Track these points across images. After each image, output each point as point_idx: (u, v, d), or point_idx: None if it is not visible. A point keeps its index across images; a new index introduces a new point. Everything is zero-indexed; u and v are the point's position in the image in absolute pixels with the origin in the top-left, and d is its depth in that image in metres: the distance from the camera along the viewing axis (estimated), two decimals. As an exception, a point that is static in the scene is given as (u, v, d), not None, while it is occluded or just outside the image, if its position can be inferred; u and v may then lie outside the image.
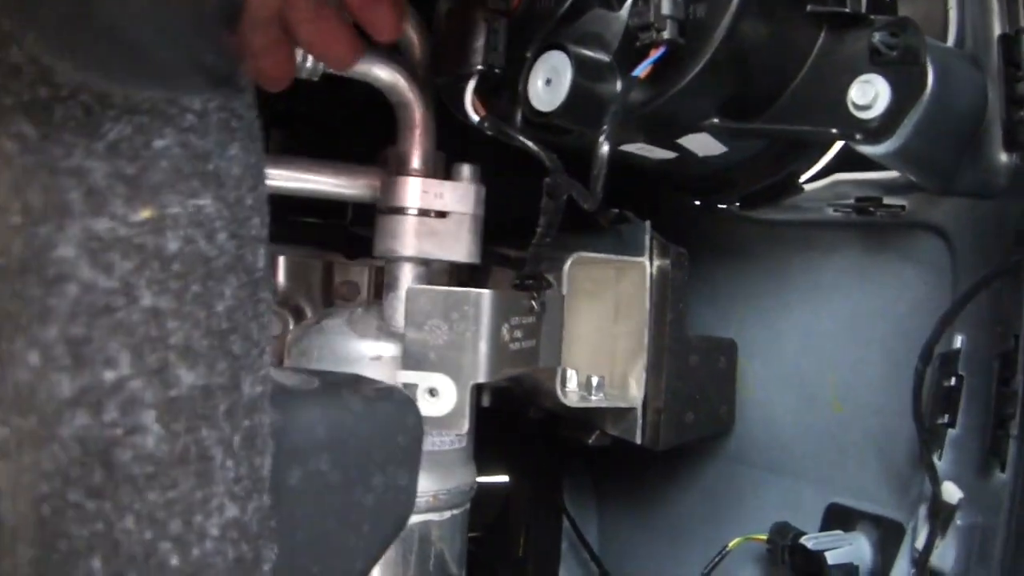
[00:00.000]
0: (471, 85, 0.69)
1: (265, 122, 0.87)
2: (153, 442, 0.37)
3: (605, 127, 0.55)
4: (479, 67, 0.69)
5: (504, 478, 1.24)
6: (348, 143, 0.91)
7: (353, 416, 0.49)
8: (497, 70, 0.69)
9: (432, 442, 0.76)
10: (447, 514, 0.78)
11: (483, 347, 0.62)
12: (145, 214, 0.36)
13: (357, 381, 0.54)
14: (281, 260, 0.94)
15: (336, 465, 0.48)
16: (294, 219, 0.93)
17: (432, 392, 0.62)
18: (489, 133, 0.68)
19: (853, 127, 0.60)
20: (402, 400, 0.54)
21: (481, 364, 0.63)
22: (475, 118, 0.69)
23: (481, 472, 0.83)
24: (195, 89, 0.38)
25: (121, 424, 0.36)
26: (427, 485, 0.76)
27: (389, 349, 0.73)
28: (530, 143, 0.64)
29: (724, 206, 0.85)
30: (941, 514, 0.70)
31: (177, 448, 0.38)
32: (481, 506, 0.85)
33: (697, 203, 0.88)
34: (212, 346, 0.39)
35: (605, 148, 0.54)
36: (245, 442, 0.41)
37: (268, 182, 0.74)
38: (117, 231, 0.36)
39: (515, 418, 1.01)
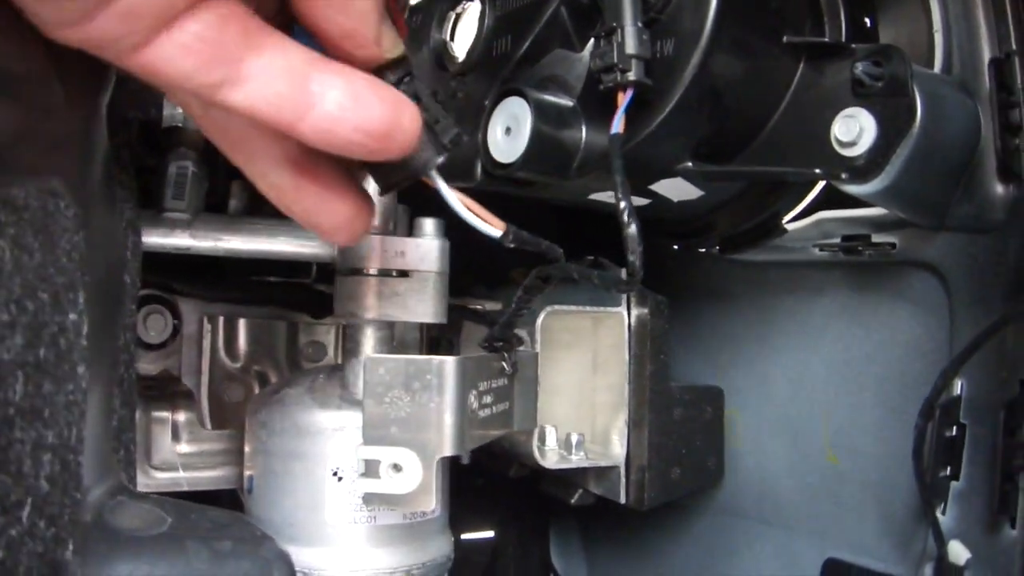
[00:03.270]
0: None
1: (226, 175, 0.84)
2: None
3: (626, 214, 0.49)
4: None
5: (490, 533, 1.20)
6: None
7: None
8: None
9: (404, 513, 0.71)
10: (422, 590, 0.73)
11: (448, 419, 0.57)
12: None
13: (226, 526, 0.46)
14: (242, 323, 0.89)
15: None
16: (255, 279, 0.88)
17: (396, 468, 0.57)
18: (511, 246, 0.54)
19: (838, 166, 0.56)
20: (269, 557, 0.46)
21: (447, 437, 0.58)
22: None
23: (466, 528, 0.78)
24: None
25: None
26: (399, 560, 0.71)
27: (353, 419, 0.69)
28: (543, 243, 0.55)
29: (703, 249, 0.80)
30: None
31: None
32: (467, 563, 0.80)
33: (676, 247, 0.83)
34: None
35: (633, 228, 0.49)
36: None
37: (223, 245, 0.72)
38: None
39: (499, 472, 0.97)
